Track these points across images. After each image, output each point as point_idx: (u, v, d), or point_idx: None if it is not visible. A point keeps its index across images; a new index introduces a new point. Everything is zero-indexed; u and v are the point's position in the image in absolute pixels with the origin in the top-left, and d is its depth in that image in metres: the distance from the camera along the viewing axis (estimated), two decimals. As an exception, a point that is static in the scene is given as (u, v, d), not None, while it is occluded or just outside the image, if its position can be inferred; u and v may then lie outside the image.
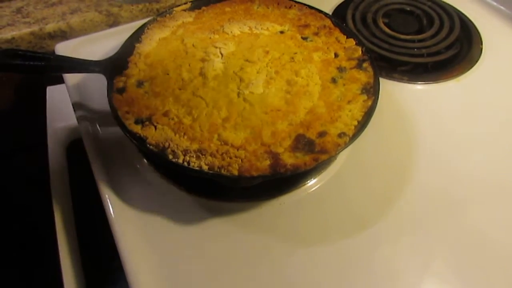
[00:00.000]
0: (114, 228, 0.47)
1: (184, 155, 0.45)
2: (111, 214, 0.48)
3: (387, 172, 0.53)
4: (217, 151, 0.45)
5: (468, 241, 0.47)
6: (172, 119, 0.48)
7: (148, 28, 0.60)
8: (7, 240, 0.91)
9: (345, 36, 0.58)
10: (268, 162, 0.44)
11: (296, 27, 0.60)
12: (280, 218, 0.49)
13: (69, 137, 0.65)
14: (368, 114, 0.49)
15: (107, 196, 0.50)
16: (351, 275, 0.45)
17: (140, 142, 0.46)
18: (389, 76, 0.64)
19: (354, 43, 0.57)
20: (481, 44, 0.70)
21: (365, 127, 0.47)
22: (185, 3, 0.64)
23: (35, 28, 0.71)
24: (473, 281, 0.45)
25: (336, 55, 0.56)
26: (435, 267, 0.45)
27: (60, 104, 0.66)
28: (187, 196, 0.50)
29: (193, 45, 0.57)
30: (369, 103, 0.50)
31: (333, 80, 0.53)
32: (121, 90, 0.51)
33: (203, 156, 0.44)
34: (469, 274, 0.45)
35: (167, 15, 0.62)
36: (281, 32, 0.60)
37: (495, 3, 0.77)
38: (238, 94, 0.51)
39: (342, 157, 0.54)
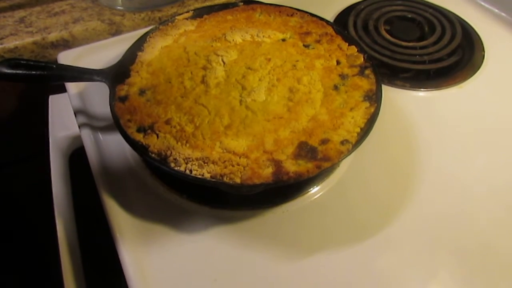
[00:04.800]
0: (116, 236, 0.47)
1: (186, 163, 0.44)
2: (113, 223, 0.48)
3: (390, 179, 0.52)
4: (219, 159, 0.45)
5: (472, 249, 0.47)
6: (174, 127, 0.48)
7: (150, 37, 0.60)
8: (9, 250, 0.91)
9: (347, 44, 0.58)
10: (270, 169, 0.44)
11: (298, 35, 0.60)
12: (283, 226, 0.48)
13: (71, 146, 0.65)
14: (370, 121, 0.48)
15: (109, 205, 0.49)
16: (354, 283, 0.44)
17: (142, 150, 0.46)
18: (391, 83, 0.64)
19: (356, 50, 0.57)
20: (483, 50, 0.70)
21: (368, 134, 0.47)
22: (187, 12, 0.64)
23: (37, 37, 0.71)
24: (479, 289, 0.44)
25: (338, 62, 0.56)
26: (439, 275, 0.45)
27: (62, 113, 0.66)
28: (190, 205, 0.50)
29: (195, 53, 0.57)
30: (372, 110, 0.49)
31: (335, 87, 0.53)
32: (123, 99, 0.51)
33: (205, 164, 0.44)
34: (474, 282, 0.44)
35: (169, 23, 0.62)
36: (283, 39, 0.60)
37: (496, 10, 0.77)
38: (240, 101, 0.51)
39: (345, 165, 0.54)
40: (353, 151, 0.46)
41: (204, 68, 0.55)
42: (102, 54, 0.67)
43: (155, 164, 0.45)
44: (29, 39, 0.71)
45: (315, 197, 0.51)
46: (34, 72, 0.52)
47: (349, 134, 0.47)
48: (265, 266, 0.45)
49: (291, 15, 0.64)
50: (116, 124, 0.49)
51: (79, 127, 0.58)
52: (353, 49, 0.58)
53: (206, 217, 0.49)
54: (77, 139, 0.61)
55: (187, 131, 0.48)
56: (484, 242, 0.47)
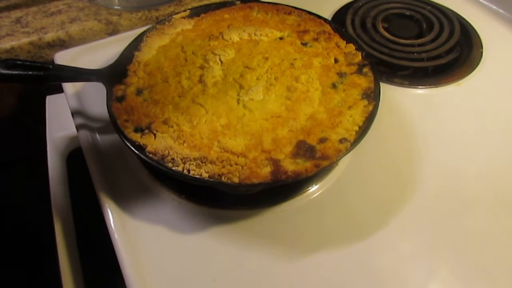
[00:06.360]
0: (115, 237, 0.47)
1: (184, 163, 0.44)
2: (111, 223, 0.48)
3: (389, 177, 0.52)
4: (217, 158, 0.44)
5: (473, 245, 0.47)
6: (172, 126, 0.48)
7: (147, 36, 0.60)
8: (8, 250, 0.91)
9: (345, 42, 0.58)
10: (269, 169, 0.44)
11: (295, 33, 0.60)
12: (282, 225, 0.48)
13: (69, 147, 0.65)
14: (369, 119, 0.48)
15: (107, 205, 0.49)
16: (353, 282, 0.44)
17: (139, 150, 0.46)
18: (390, 81, 0.64)
19: (354, 48, 0.57)
20: (481, 47, 0.69)
21: (367, 132, 0.47)
22: (184, 11, 0.64)
23: (34, 37, 0.71)
24: (479, 286, 0.44)
25: (336, 61, 0.56)
26: (439, 273, 0.45)
27: (60, 113, 0.66)
28: (188, 205, 0.50)
29: (192, 53, 0.57)
30: (370, 108, 0.49)
31: (334, 86, 0.53)
32: (121, 99, 0.51)
33: (203, 163, 0.44)
34: (474, 280, 0.44)
35: (166, 22, 0.62)
36: (281, 38, 0.60)
37: (494, 7, 0.77)
38: (238, 100, 0.50)
39: (344, 163, 0.53)
40: (351, 150, 0.46)
41: (202, 67, 0.55)
42: (99, 54, 0.67)
43: (152, 164, 0.45)
44: (25, 40, 0.70)
45: (314, 196, 0.51)
46: (30, 73, 0.52)
47: (348, 133, 0.47)
48: (264, 265, 0.45)
49: (289, 13, 0.64)
50: (113, 124, 0.49)
51: (76, 127, 0.58)
52: (351, 47, 0.57)
53: (204, 217, 0.49)
54: (75, 139, 0.61)
55: (184, 131, 0.47)
56: (484, 239, 0.47)
